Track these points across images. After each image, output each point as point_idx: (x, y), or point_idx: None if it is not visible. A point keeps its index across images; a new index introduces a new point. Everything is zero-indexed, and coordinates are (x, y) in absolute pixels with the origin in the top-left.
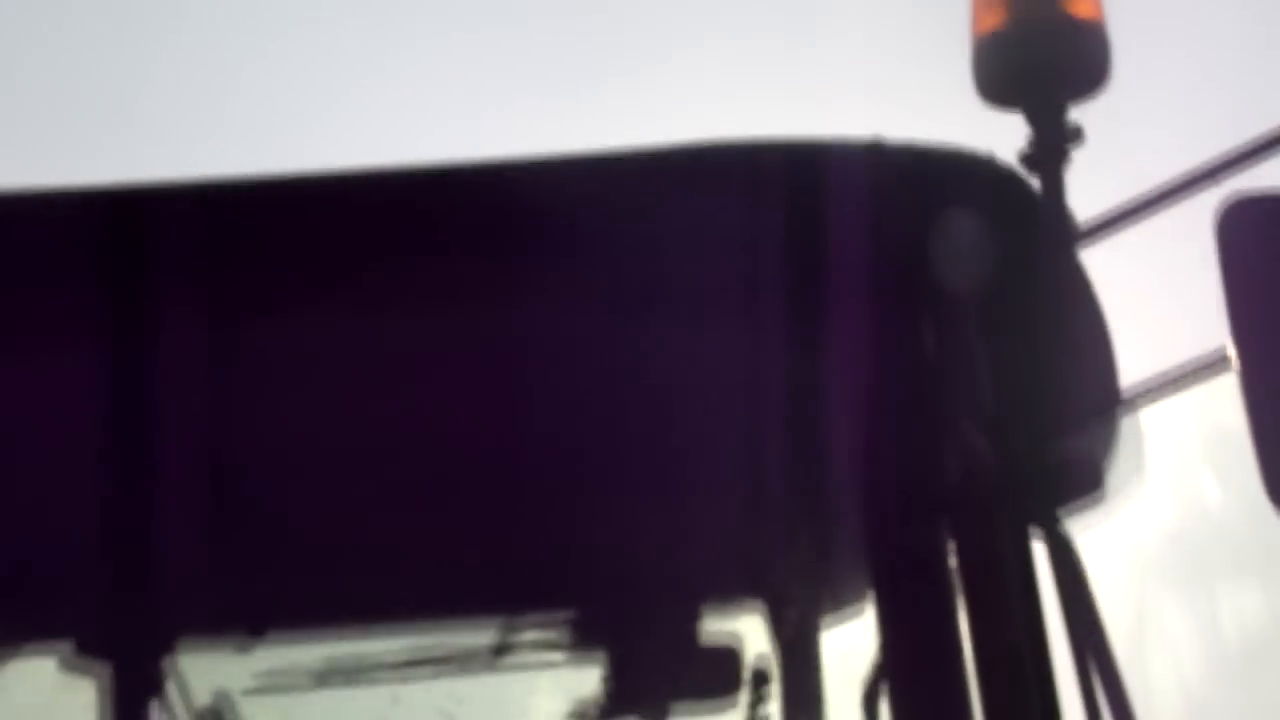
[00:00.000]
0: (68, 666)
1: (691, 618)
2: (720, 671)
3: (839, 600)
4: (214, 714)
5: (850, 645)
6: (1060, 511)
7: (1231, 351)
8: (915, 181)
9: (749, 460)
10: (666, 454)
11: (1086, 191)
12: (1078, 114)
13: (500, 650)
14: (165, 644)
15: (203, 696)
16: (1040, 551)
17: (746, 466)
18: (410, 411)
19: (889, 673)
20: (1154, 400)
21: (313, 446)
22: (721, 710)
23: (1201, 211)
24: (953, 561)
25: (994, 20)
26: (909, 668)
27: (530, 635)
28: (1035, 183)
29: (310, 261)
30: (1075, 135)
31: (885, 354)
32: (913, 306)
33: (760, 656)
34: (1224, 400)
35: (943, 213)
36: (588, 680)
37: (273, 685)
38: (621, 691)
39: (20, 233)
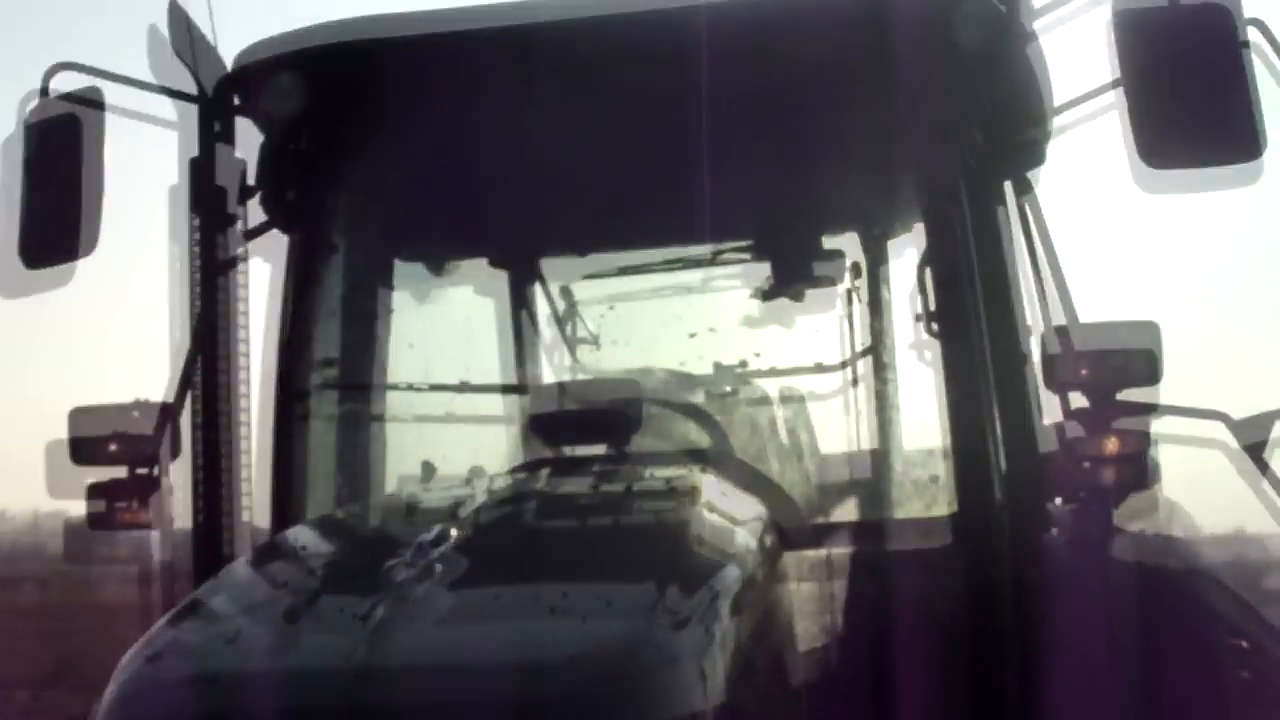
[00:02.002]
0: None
1: (817, 236)
2: (834, 267)
3: (903, 224)
4: (564, 293)
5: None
6: (1023, 172)
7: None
8: None
9: (855, 149)
10: (808, 154)
11: None
12: None
13: (715, 258)
14: (536, 257)
15: (555, 285)
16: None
17: (854, 153)
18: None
19: (930, 262)
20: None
21: (619, 165)
22: (833, 285)
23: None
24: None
25: None
26: (941, 259)
27: (730, 249)
28: None
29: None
30: None
31: (932, 87)
32: (946, 59)
33: (856, 260)
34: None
35: (961, 6)
36: (761, 272)
37: (591, 277)
38: (779, 279)
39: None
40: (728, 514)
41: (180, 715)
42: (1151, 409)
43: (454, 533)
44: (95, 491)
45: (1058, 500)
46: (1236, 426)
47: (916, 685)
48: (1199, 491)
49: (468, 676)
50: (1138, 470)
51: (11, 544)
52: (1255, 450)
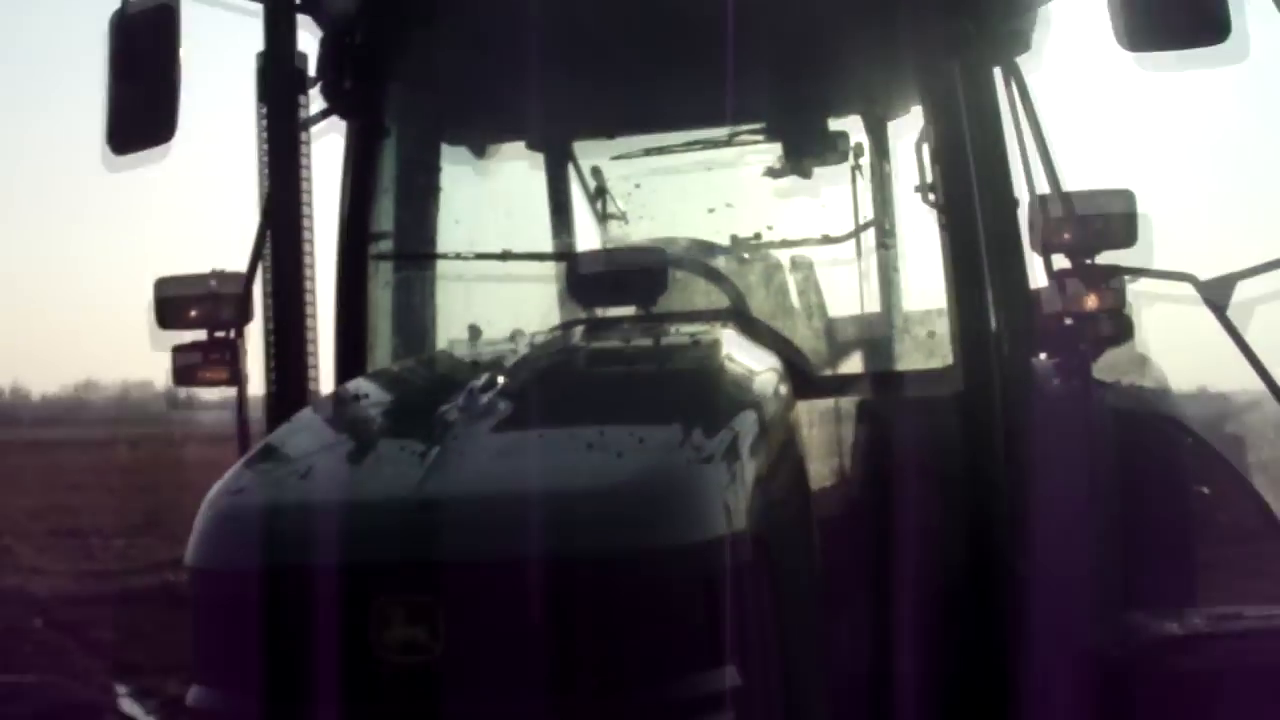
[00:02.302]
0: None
1: (824, 119)
2: (838, 144)
3: (902, 107)
4: (595, 173)
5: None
6: (1012, 58)
7: None
8: None
9: (859, 38)
10: (816, 44)
11: None
12: None
13: (730, 140)
14: (569, 141)
15: (587, 166)
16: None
17: (857, 42)
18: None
19: (928, 140)
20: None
21: (643, 55)
22: (839, 163)
23: None
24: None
25: None
26: (938, 138)
27: (744, 132)
28: None
29: None
30: None
31: None
32: None
33: (859, 141)
34: None
35: None
36: (773, 152)
37: (619, 159)
38: (790, 159)
39: None
40: (746, 365)
41: (261, 541)
42: (1126, 270)
43: (501, 381)
44: (179, 352)
45: (1043, 356)
46: (1204, 287)
47: (915, 516)
48: (1167, 352)
49: (514, 504)
50: (1116, 325)
51: (103, 410)
52: (1220, 310)
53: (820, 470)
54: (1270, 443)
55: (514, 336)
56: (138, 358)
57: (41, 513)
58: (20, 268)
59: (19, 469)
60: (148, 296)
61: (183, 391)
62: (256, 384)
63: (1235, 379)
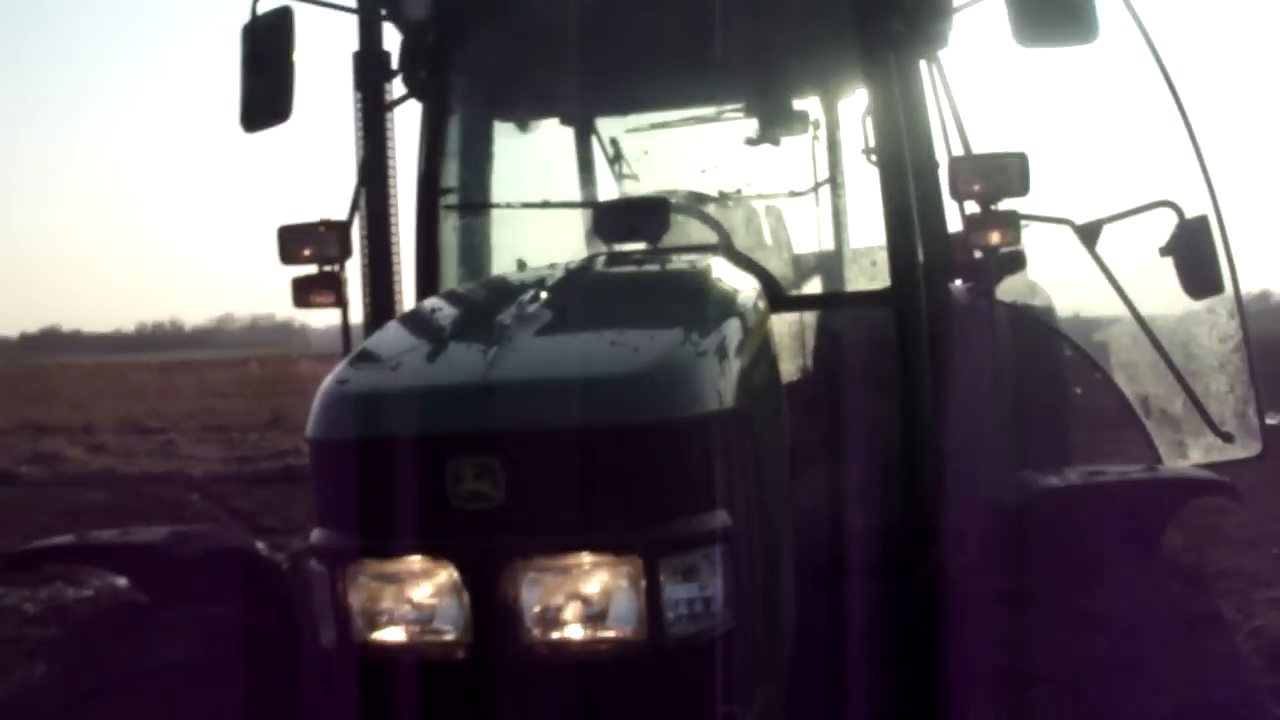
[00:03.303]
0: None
1: (790, 99)
2: (801, 119)
3: (850, 90)
4: (613, 143)
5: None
6: (934, 51)
7: None
8: None
9: (815, 39)
10: (782, 43)
11: None
12: None
13: (718, 117)
14: (592, 118)
15: (606, 137)
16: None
17: (814, 42)
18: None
19: (870, 114)
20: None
21: (650, 50)
22: (802, 134)
23: None
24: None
25: None
26: (878, 112)
27: (728, 110)
28: None
29: None
30: None
31: None
32: None
33: (817, 117)
34: None
35: None
36: (750, 125)
37: (631, 132)
38: (763, 130)
39: None
40: (732, 286)
41: (362, 418)
42: (1021, 215)
43: (544, 296)
44: (297, 283)
45: (957, 281)
46: (1079, 229)
47: (860, 402)
48: (1052, 282)
49: (556, 386)
50: (1012, 258)
51: (237, 336)
52: (1090, 247)
53: (788, 367)
54: (1127, 349)
55: (552, 265)
56: (263, 294)
57: (195, 414)
58: (174, 229)
59: (177, 382)
60: (272, 240)
61: (298, 318)
62: (356, 306)
63: (1104, 304)
